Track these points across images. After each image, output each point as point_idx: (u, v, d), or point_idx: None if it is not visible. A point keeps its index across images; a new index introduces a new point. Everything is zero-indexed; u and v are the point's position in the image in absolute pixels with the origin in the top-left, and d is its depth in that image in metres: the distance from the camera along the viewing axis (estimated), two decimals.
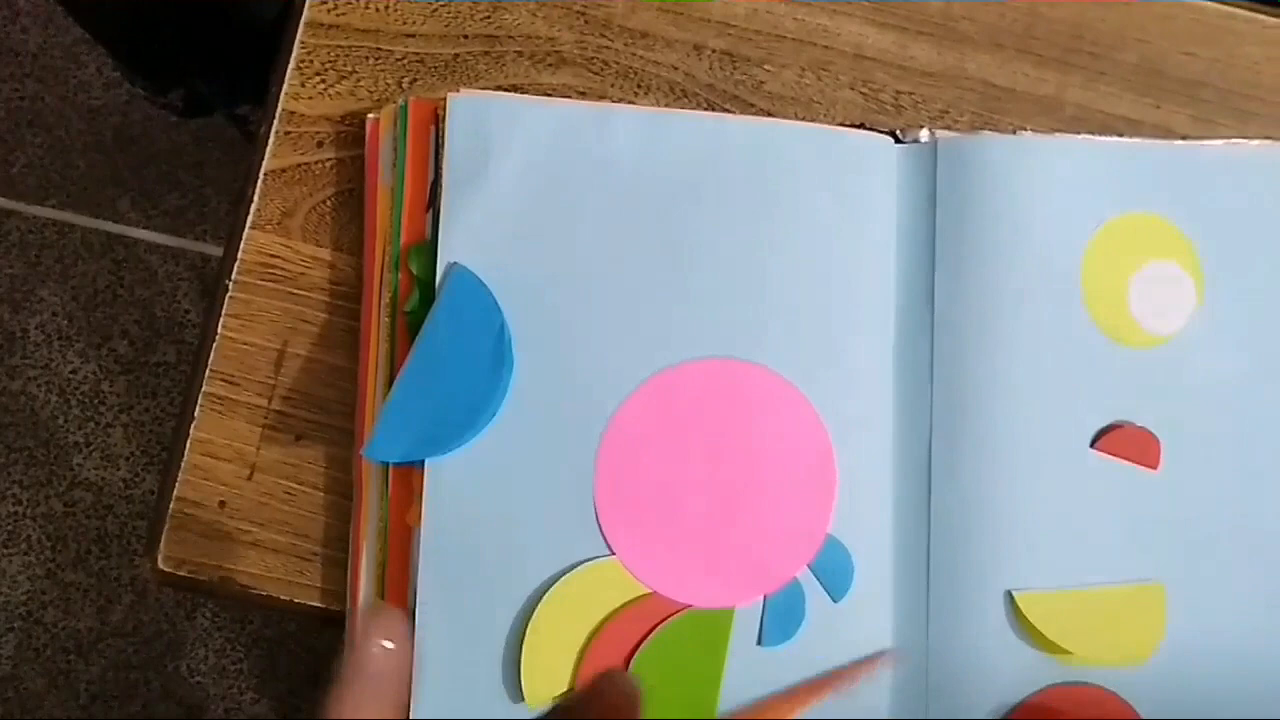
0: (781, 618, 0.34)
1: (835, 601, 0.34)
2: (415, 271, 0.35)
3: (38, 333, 1.10)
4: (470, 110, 0.35)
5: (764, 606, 0.34)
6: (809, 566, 0.34)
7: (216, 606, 1.05)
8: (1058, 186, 0.37)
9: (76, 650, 1.06)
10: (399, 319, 0.35)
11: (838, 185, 0.36)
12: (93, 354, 1.10)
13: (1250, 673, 0.35)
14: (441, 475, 0.33)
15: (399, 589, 0.34)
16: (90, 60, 1.14)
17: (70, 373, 1.10)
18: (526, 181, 0.35)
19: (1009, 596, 0.35)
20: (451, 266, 0.34)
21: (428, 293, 0.34)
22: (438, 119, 0.35)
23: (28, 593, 1.06)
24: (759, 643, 0.34)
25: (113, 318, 1.10)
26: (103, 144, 1.13)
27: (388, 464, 0.34)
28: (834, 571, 0.35)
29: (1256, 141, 0.38)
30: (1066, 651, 0.34)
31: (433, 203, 0.35)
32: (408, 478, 0.34)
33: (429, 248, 0.34)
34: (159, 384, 1.10)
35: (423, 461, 0.33)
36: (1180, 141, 0.39)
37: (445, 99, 0.35)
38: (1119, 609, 0.35)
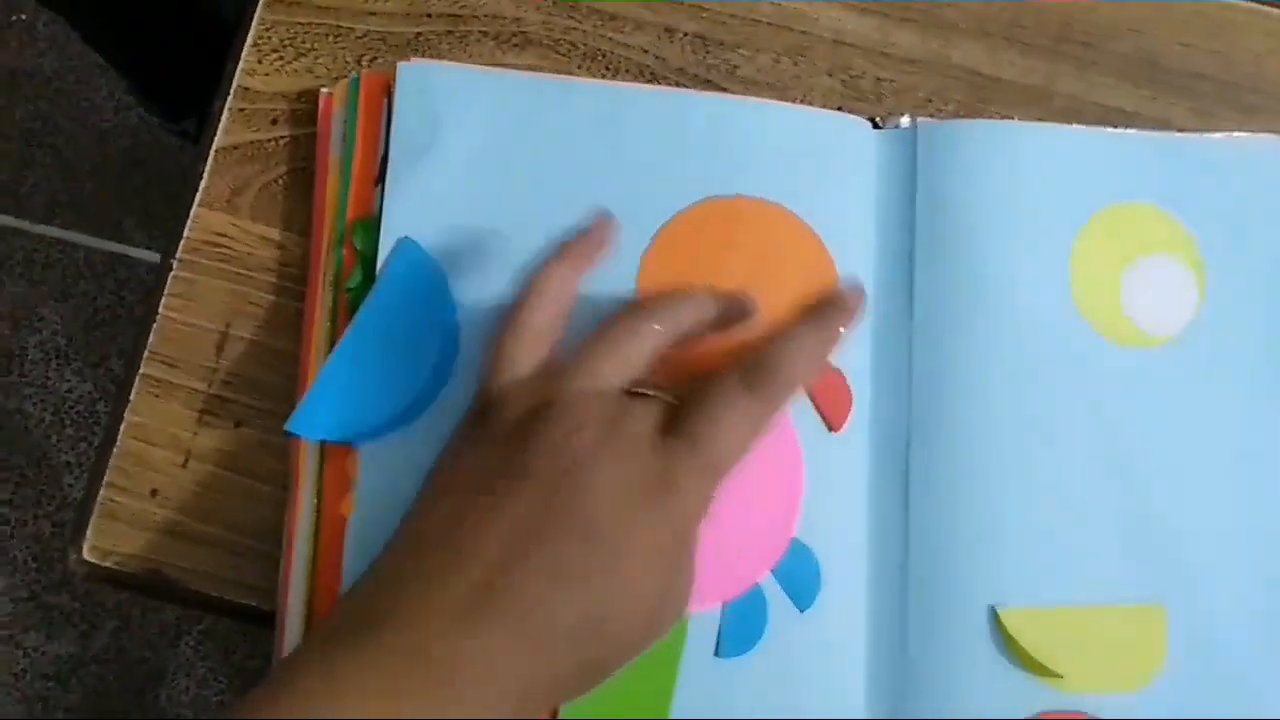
0: (741, 627, 0.31)
1: (801, 611, 0.32)
2: (359, 247, 0.33)
3: (36, 351, 1.10)
4: (420, 79, 0.33)
5: (722, 614, 0.31)
6: (772, 572, 0.32)
7: (200, 635, 1.03)
8: (1045, 174, 0.35)
9: (56, 676, 1.03)
10: (341, 297, 0.33)
11: (808, 169, 0.34)
12: (90, 373, 1.09)
13: (1258, 708, 0.32)
14: (376, 460, 0.31)
15: (330, 585, 0.31)
16: (103, 84, 1.15)
17: (66, 391, 1.09)
18: (479, 154, 0.33)
19: (992, 612, 0.32)
20: (400, 240, 0.32)
21: (371, 269, 0.33)
22: (390, 93, 0.34)
23: (10, 615, 1.04)
24: (716, 653, 0.31)
25: (111, 338, 1.10)
26: (111, 165, 1.14)
27: (323, 447, 0.32)
28: (800, 579, 0.32)
29: (1256, 135, 0.36)
30: (1056, 674, 0.32)
31: (382, 178, 0.34)
32: (342, 464, 0.32)
33: (375, 223, 0.33)
34: None
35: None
36: (1178, 133, 0.37)
37: (396, 68, 0.33)
38: (1115, 630, 0.32)
